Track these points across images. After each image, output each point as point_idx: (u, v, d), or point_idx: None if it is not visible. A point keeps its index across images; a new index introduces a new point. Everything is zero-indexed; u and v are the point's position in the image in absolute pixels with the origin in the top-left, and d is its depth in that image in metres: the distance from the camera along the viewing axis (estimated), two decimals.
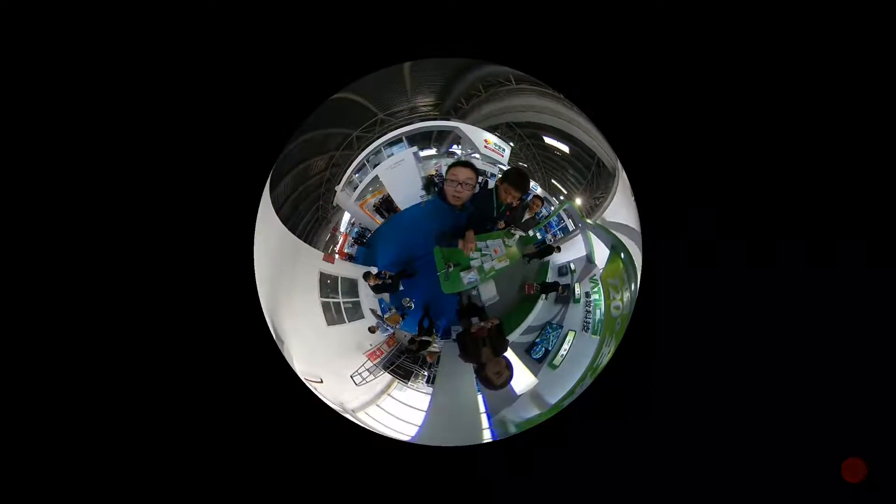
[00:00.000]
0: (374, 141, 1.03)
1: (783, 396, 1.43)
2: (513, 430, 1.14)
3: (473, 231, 1.08)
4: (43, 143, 1.46)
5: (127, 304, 1.45)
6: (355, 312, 1.04)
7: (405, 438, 1.10)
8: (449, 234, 1.07)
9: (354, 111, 1.04)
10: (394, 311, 1.05)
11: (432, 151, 1.07)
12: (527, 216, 1.13)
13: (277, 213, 1.03)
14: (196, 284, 1.45)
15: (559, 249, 1.12)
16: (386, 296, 1.04)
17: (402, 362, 1.06)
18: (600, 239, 1.15)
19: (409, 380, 1.06)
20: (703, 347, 1.45)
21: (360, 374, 1.05)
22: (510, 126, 1.09)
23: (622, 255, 1.17)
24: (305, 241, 1.02)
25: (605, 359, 1.16)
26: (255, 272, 1.08)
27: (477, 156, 1.07)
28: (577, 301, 1.12)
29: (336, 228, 1.00)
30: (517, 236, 1.13)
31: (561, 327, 1.11)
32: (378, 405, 1.08)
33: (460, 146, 1.05)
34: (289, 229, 1.03)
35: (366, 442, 1.30)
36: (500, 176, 1.10)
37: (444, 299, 1.07)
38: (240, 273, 1.25)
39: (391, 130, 1.04)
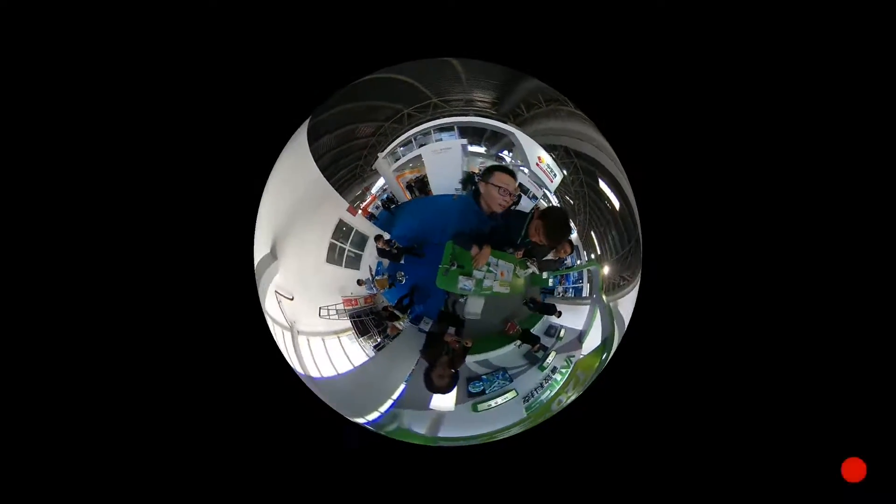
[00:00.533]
0: (425, 122, 1.04)
1: (783, 396, 1.43)
2: (389, 429, 1.15)
3: (490, 246, 1.07)
4: (43, 143, 1.46)
5: (126, 305, 1.45)
6: (354, 262, 1.07)
7: (314, 375, 1.12)
8: (467, 237, 1.06)
9: (405, 90, 1.04)
10: (385, 276, 1.08)
11: (481, 150, 1.06)
12: (550, 256, 1.10)
13: (316, 162, 1.04)
14: (196, 284, 1.45)
15: (559, 314, 1.10)
16: (386, 262, 1.07)
17: (367, 320, 1.08)
18: (602, 323, 1.13)
19: (361, 336, 1.09)
20: (703, 347, 1.45)
21: (328, 309, 1.08)
22: (568, 152, 1.06)
23: (604, 355, 1.16)
24: (337, 190, 1.03)
25: (502, 435, 1.15)
26: (267, 198, 1.09)
27: (525, 170, 1.05)
28: (542, 369, 1.12)
29: (368, 188, 1.02)
30: (530, 271, 1.10)
31: (510, 381, 1.11)
32: (322, 339, 1.11)
33: (511, 154, 1.04)
34: (325, 177, 1.05)
35: (366, 442, 1.30)
36: (543, 209, 1.07)
37: (433, 291, 1.09)
38: (240, 273, 1.25)
39: (444, 117, 1.04)
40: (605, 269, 1.12)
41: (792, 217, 1.45)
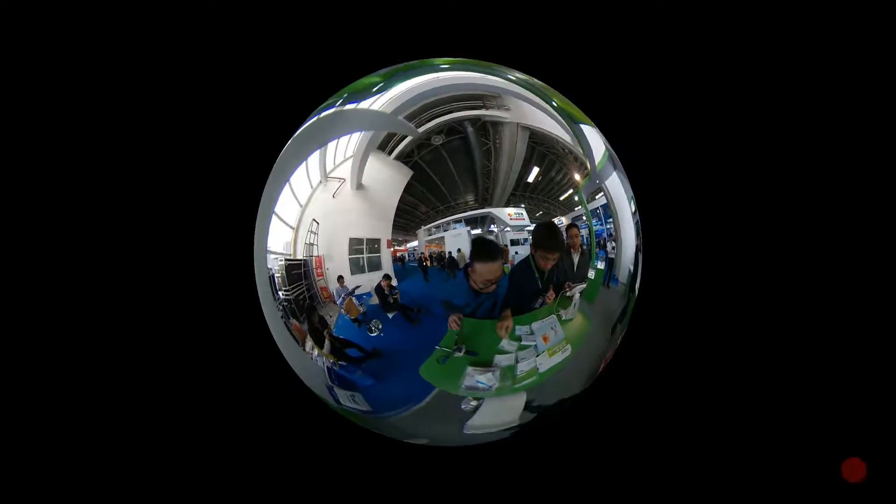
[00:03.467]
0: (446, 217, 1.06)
1: (783, 396, 1.44)
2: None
3: (511, 311, 1.03)
4: (44, 143, 1.46)
5: (126, 305, 1.45)
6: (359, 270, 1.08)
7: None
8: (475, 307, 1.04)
9: (432, 195, 1.08)
10: (361, 307, 1.05)
11: (477, 231, 1.07)
12: (575, 259, 1.07)
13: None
14: (196, 284, 1.45)
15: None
16: (375, 301, 1.05)
17: (309, 304, 1.09)
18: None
19: (290, 315, 1.10)
20: (703, 347, 1.45)
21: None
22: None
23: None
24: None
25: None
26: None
27: (508, 229, 1.06)
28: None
29: (405, 241, 1.05)
30: (576, 294, 1.05)
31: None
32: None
33: (495, 224, 1.05)
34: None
35: (366, 442, 1.30)
36: (533, 241, 1.05)
37: (391, 370, 1.07)
38: (239, 273, 1.25)
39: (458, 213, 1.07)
40: (577, 177, 1.11)
41: (792, 217, 1.45)
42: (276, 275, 1.11)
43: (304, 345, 1.10)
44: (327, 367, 1.09)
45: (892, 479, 1.37)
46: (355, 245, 1.07)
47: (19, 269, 1.45)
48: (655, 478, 1.40)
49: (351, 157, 1.08)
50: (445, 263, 1.05)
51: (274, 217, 1.12)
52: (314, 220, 1.09)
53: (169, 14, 1.46)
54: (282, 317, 1.11)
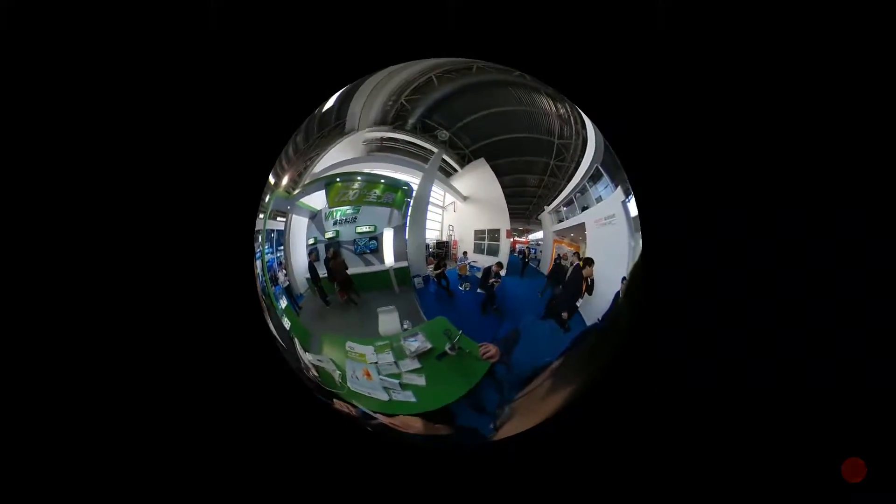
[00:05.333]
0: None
1: (783, 396, 1.43)
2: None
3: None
4: (42, 143, 1.46)
5: (125, 305, 1.45)
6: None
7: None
8: None
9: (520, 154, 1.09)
10: (467, 272, 1.06)
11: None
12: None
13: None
14: (196, 284, 1.45)
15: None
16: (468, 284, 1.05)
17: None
18: None
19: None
20: (703, 347, 1.45)
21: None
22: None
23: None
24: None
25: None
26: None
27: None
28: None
29: (527, 231, 1.07)
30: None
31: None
32: None
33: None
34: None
35: (366, 442, 1.30)
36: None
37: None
38: (240, 273, 1.25)
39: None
40: None
41: (792, 217, 1.45)
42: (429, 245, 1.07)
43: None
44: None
45: (893, 479, 1.37)
46: (479, 235, 1.07)
47: (19, 268, 1.44)
48: (655, 478, 1.40)
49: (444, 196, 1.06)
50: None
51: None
52: (450, 225, 1.09)
53: (169, 14, 1.46)
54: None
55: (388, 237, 0.99)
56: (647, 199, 1.22)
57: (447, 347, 1.02)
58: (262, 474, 1.41)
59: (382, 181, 1.00)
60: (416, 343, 0.96)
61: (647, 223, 1.21)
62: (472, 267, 1.08)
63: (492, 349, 1.04)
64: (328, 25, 1.47)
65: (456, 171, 1.07)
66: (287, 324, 1.04)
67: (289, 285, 1.03)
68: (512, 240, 1.05)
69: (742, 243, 1.45)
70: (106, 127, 1.46)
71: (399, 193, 1.00)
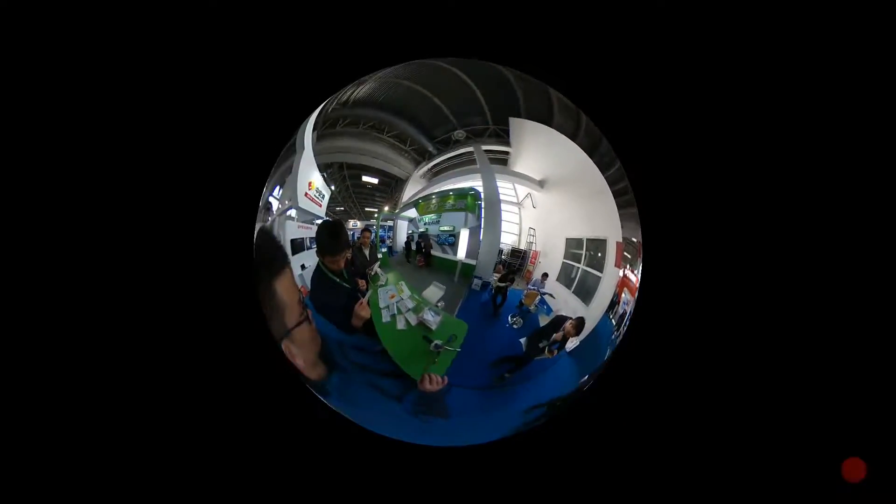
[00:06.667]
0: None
1: (783, 396, 1.43)
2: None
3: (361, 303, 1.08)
4: (43, 143, 1.46)
5: (125, 305, 1.45)
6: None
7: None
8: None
9: None
10: (533, 309, 1.08)
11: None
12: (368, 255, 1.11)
13: None
14: (195, 284, 1.45)
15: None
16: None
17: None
18: None
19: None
20: (703, 347, 1.45)
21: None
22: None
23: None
24: None
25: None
26: None
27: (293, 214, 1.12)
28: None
29: None
30: (375, 272, 1.09)
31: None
32: None
33: None
34: None
35: (366, 442, 1.30)
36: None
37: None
38: (239, 273, 1.25)
39: None
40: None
41: (791, 216, 1.45)
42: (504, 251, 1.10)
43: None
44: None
45: (892, 479, 1.37)
46: (573, 247, 1.08)
47: (19, 268, 1.45)
48: (655, 479, 1.40)
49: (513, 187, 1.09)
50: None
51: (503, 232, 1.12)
52: (531, 227, 1.08)
53: (169, 14, 1.46)
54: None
55: (464, 236, 1.10)
56: (647, 199, 1.22)
57: (436, 343, 1.05)
58: (262, 474, 1.42)
59: (451, 192, 1.10)
60: (430, 319, 1.08)
61: (648, 223, 1.21)
62: (542, 300, 1.06)
63: (431, 387, 1.05)
64: (328, 25, 1.47)
65: (506, 153, 1.09)
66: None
67: (392, 247, 1.10)
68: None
69: (742, 243, 1.45)
70: (106, 127, 1.46)
71: (469, 199, 1.10)
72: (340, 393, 1.12)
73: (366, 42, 1.45)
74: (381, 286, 1.06)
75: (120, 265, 1.46)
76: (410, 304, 1.07)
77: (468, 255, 1.08)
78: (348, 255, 1.07)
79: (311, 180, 1.12)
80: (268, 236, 1.13)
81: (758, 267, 1.45)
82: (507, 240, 1.06)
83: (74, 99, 1.46)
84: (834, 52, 1.44)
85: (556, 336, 1.06)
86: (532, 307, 1.06)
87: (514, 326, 1.05)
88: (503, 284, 1.05)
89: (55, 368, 1.44)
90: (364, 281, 1.07)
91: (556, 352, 1.06)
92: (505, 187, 1.07)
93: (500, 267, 1.05)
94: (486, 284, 1.05)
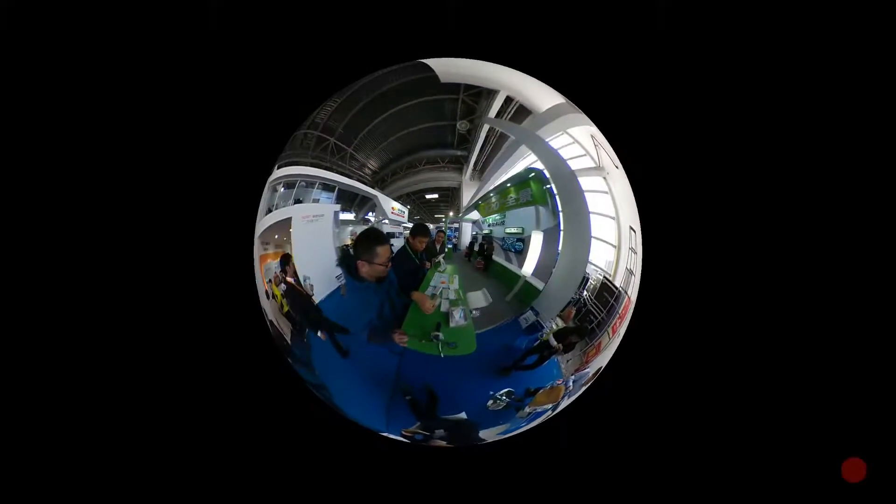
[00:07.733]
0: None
1: (783, 396, 1.43)
2: None
3: (413, 290, 1.04)
4: (42, 143, 1.46)
5: (125, 305, 1.45)
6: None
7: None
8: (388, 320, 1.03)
9: None
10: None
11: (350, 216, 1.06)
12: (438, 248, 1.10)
13: None
14: (196, 283, 1.45)
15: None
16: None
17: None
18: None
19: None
20: (703, 347, 1.45)
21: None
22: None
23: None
24: None
25: None
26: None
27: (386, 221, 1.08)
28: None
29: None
30: (440, 261, 1.08)
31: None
32: None
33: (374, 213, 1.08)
34: None
35: (366, 442, 1.30)
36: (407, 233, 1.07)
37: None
38: (239, 273, 1.25)
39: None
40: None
41: (792, 216, 1.45)
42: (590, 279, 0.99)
43: None
44: None
45: (892, 479, 1.37)
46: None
47: (19, 268, 1.45)
48: (655, 479, 1.40)
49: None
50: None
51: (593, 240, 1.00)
52: (630, 227, 0.98)
53: (168, 13, 1.46)
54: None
55: (535, 241, 0.94)
56: (646, 199, 1.22)
57: (438, 334, 0.99)
58: (262, 474, 1.42)
59: (508, 184, 0.95)
60: (455, 316, 0.98)
61: (648, 223, 1.21)
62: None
63: (400, 339, 1.05)
64: (328, 25, 1.47)
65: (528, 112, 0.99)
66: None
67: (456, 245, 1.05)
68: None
69: (742, 243, 1.45)
70: (106, 127, 1.46)
71: (533, 185, 0.95)
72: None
73: (366, 42, 1.46)
74: (440, 272, 1.06)
75: (120, 265, 1.46)
76: (452, 296, 1.01)
77: (537, 272, 0.94)
78: (426, 241, 1.08)
79: (393, 206, 1.09)
80: (374, 230, 1.15)
81: (758, 267, 1.45)
82: (601, 255, 0.93)
83: (74, 99, 1.46)
84: (834, 52, 1.44)
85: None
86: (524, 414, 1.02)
87: (489, 406, 0.97)
88: (554, 345, 0.95)
89: (55, 368, 1.44)
90: (429, 263, 1.07)
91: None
92: (566, 145, 0.94)
93: (572, 311, 0.95)
94: (534, 327, 0.93)
